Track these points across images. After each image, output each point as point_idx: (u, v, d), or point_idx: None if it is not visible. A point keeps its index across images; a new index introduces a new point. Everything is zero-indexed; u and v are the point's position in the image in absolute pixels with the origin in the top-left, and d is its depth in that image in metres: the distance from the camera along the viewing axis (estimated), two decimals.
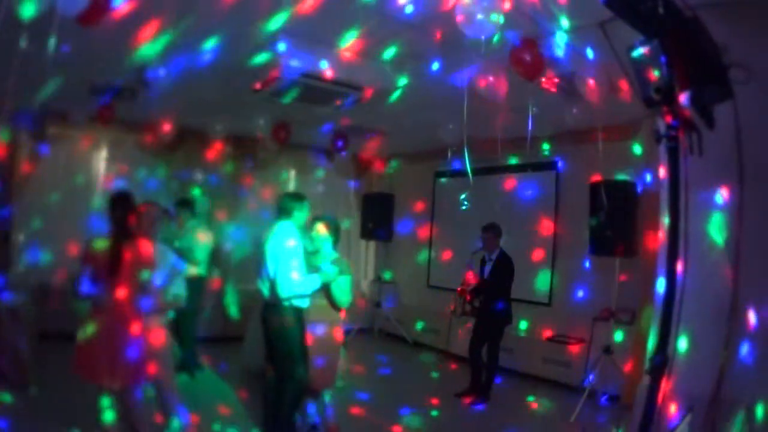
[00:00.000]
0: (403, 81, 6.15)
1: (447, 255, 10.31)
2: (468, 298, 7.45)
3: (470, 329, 7.65)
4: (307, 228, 5.50)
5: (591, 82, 5.17)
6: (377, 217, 11.07)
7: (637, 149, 6.99)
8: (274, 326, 5.13)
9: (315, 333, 5.30)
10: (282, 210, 5.31)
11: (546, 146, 7.96)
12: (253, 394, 6.40)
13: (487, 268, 7.41)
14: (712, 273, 3.69)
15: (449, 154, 8.40)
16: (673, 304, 2.64)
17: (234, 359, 7.86)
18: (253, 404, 6.13)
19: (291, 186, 11.03)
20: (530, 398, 7.45)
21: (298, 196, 5.45)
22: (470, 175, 5.51)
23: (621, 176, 7.14)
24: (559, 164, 8.68)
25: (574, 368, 7.71)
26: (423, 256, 11.10)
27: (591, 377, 6.86)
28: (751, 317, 3.59)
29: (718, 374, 3.56)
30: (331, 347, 5.41)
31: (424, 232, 11.10)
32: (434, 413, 6.62)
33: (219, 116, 8.50)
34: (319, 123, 8.61)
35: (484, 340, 7.35)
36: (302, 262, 5.13)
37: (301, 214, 5.31)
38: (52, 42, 3.89)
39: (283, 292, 4.96)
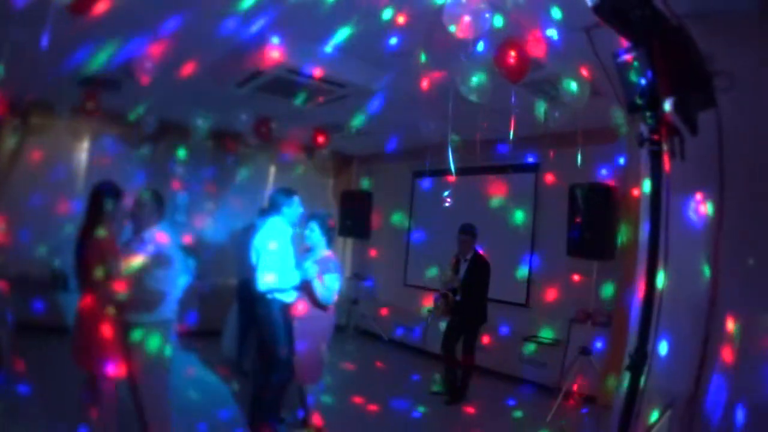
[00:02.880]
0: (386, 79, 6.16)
1: (424, 254, 10.36)
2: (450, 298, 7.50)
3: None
4: (301, 225, 5.50)
5: (573, 84, 5.25)
6: (355, 215, 11.09)
7: (618, 153, 7.07)
8: (259, 315, 5.21)
9: (302, 326, 5.32)
10: (271, 205, 5.37)
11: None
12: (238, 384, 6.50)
13: (463, 268, 7.46)
14: (691, 274, 3.78)
15: (429, 154, 8.45)
16: (653, 303, 2.71)
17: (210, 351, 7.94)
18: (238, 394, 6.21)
19: (270, 181, 11.06)
20: (507, 398, 7.53)
21: (286, 192, 5.43)
22: (453, 171, 5.54)
23: (600, 179, 7.21)
24: (539, 166, 8.77)
25: (551, 369, 7.80)
26: (400, 254, 11.17)
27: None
28: (730, 319, 3.67)
29: (697, 374, 3.64)
30: (315, 341, 5.40)
31: (401, 231, 11.19)
32: (410, 412, 6.66)
33: (201, 110, 8.47)
34: (300, 119, 8.62)
35: (457, 338, 7.40)
36: (287, 258, 5.16)
37: (290, 210, 5.31)
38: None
39: (260, 285, 5.04)
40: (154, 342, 4.32)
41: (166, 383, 4.51)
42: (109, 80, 6.92)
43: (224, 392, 6.64)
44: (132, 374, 4.38)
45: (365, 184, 12.01)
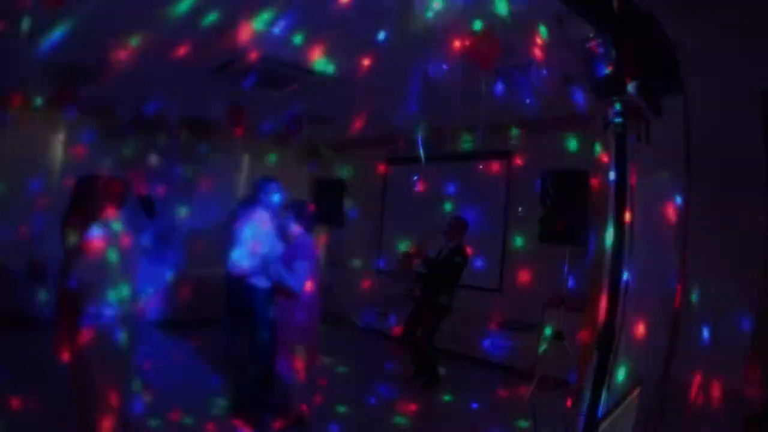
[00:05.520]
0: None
1: (397, 240, 10.38)
2: (413, 260, 7.52)
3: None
4: (281, 213, 5.48)
5: (545, 72, 5.29)
6: (329, 203, 11.05)
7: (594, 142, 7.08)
8: (241, 303, 5.30)
9: (278, 315, 5.30)
10: (251, 194, 5.52)
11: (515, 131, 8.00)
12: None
13: (442, 253, 7.49)
14: (660, 255, 3.85)
15: (401, 141, 8.46)
16: (620, 282, 2.78)
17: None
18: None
19: (244, 170, 11.04)
20: (481, 382, 7.61)
21: (265, 179, 5.50)
22: (422, 158, 5.57)
23: (573, 165, 7.23)
24: (512, 153, 8.82)
25: (524, 353, 7.87)
26: (373, 241, 11.20)
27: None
28: (698, 299, 3.75)
29: (667, 353, 3.72)
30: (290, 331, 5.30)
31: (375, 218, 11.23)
32: (384, 396, 6.74)
33: (176, 99, 8.40)
34: (274, 107, 8.59)
35: (417, 326, 7.44)
36: (260, 242, 5.20)
37: (269, 198, 5.37)
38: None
39: (229, 267, 5.21)
40: (113, 337, 4.12)
41: (125, 380, 4.32)
42: (85, 70, 6.84)
43: (207, 382, 6.62)
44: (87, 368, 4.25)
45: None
